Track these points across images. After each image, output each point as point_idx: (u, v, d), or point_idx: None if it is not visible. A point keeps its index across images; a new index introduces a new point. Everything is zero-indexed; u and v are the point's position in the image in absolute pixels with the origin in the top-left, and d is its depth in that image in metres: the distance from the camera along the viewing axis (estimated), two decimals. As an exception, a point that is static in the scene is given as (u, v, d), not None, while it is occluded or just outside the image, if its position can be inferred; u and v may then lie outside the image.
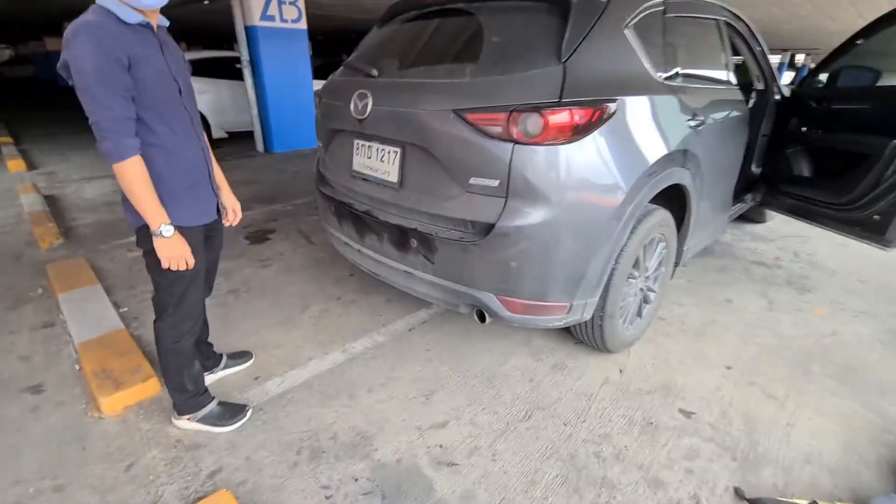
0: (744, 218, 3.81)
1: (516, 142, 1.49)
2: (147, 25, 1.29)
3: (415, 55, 1.89)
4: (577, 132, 1.50)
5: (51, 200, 4.31)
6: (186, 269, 1.42)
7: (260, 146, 6.86)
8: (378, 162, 1.89)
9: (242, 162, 6.17)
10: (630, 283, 1.97)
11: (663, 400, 1.89)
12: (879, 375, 2.06)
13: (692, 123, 1.96)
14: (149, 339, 2.24)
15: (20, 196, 4.31)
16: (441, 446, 1.66)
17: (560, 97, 1.47)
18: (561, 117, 1.46)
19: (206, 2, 7.88)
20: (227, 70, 6.79)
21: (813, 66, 3.15)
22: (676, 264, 2.32)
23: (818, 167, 2.97)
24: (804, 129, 2.97)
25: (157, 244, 1.34)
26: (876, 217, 2.44)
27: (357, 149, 2.00)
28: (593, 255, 1.66)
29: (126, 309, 2.51)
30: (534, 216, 1.55)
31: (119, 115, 1.20)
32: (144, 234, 1.38)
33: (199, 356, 1.88)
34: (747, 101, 2.74)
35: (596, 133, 1.53)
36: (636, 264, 1.96)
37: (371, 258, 2.05)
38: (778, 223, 3.93)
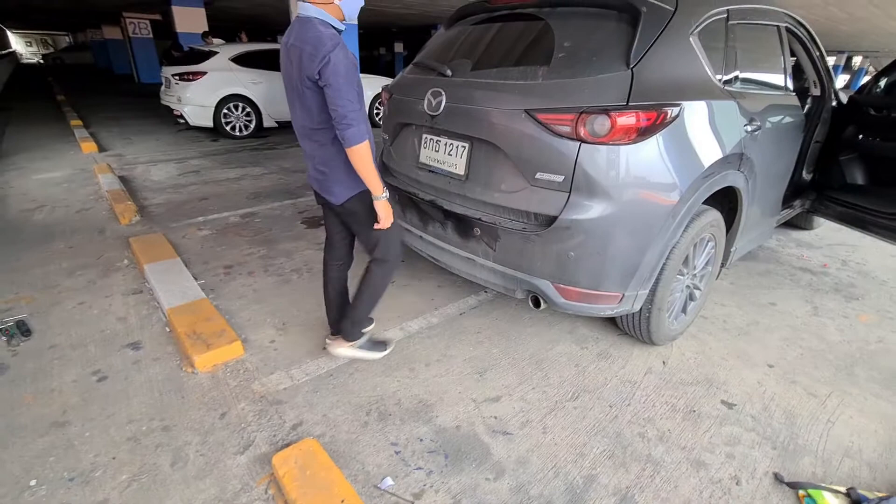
0: (790, 224, 3.80)
1: (583, 141, 1.62)
2: (342, 31, 1.58)
3: (486, 56, 2.03)
4: (641, 134, 1.61)
5: (122, 181, 4.67)
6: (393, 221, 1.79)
7: (307, 136, 7.12)
8: (445, 155, 2.05)
9: (292, 150, 6.46)
10: (678, 279, 2.07)
11: (706, 391, 1.98)
12: (925, 383, 2.09)
13: (749, 128, 2.03)
14: (226, 308, 2.49)
15: (97, 175, 4.69)
16: (496, 417, 1.81)
17: (627, 101, 1.58)
18: (627, 119, 1.58)
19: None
20: (278, 62, 7.08)
21: (871, 68, 3.12)
22: (723, 265, 2.39)
23: (873, 175, 2.95)
24: (861, 136, 2.96)
25: (379, 206, 1.67)
26: None
27: (425, 142, 2.16)
28: (647, 250, 1.77)
29: (203, 281, 2.76)
30: (594, 210, 1.67)
31: (359, 108, 1.51)
32: (357, 201, 1.72)
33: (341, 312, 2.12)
34: (803, 107, 2.76)
35: (658, 135, 1.64)
36: (685, 261, 2.06)
37: (433, 244, 2.22)
38: (826, 231, 3.90)
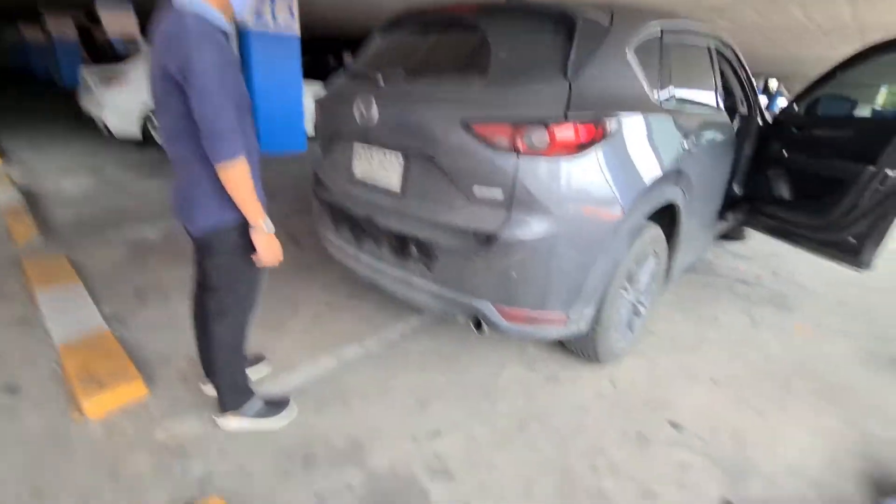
0: (724, 236, 3.93)
1: (521, 153, 1.52)
2: (228, 32, 1.32)
3: (421, 65, 1.90)
4: (581, 147, 1.53)
5: (27, 194, 4.15)
6: (256, 269, 1.49)
7: (247, 147, 6.76)
8: (380, 169, 1.89)
9: (229, 163, 6.07)
10: (623, 295, 2.01)
11: (655, 414, 1.91)
12: (859, 394, 2.14)
13: (685, 144, 2.03)
14: (134, 341, 2.18)
15: (-5, 189, 4.14)
16: (437, 456, 1.65)
17: (566, 112, 1.50)
18: (566, 131, 1.49)
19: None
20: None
21: (784, 90, 3.30)
22: (666, 280, 2.38)
23: (798, 190, 3.09)
24: (786, 153, 3.10)
25: (259, 239, 1.39)
26: (851, 239, 2.56)
27: (358, 155, 1.99)
28: (591, 268, 1.69)
29: (109, 310, 2.42)
30: (536, 227, 1.57)
31: (233, 118, 1.24)
32: (219, 237, 1.41)
33: None
34: (733, 125, 2.84)
35: (598, 148, 1.57)
36: (629, 278, 2.00)
37: (368, 264, 2.04)
38: (758, 242, 4.07)
